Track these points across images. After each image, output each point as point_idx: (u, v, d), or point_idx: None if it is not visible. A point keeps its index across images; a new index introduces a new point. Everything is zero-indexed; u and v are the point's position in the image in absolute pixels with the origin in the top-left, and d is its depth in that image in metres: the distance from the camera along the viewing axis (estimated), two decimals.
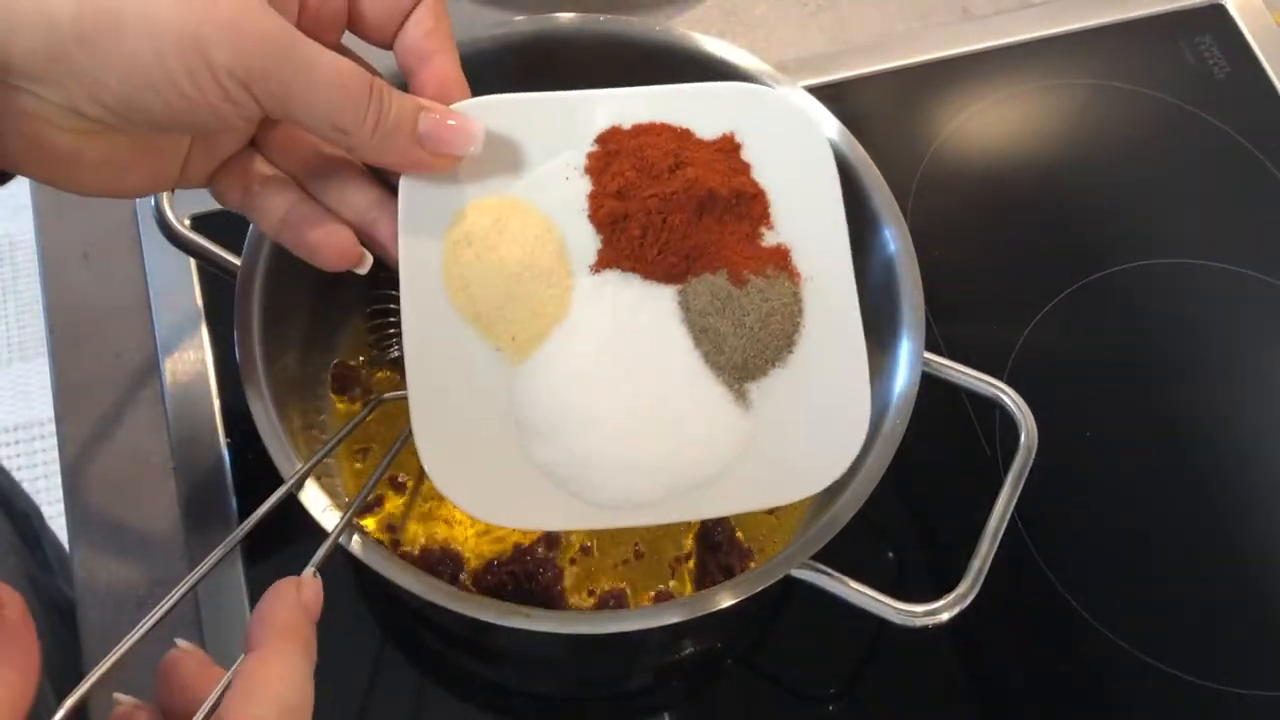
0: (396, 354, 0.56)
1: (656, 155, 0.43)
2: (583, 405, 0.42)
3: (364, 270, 0.42)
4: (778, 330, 0.44)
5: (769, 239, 0.44)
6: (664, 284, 0.43)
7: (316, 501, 0.44)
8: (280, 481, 0.44)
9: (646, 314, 0.43)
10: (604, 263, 0.43)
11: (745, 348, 0.43)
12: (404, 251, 0.42)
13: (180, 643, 0.36)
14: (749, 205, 0.44)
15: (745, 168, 0.45)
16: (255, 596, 0.53)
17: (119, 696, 0.35)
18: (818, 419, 0.44)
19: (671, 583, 0.54)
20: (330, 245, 0.41)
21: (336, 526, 0.43)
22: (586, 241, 0.43)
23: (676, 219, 0.42)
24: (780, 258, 0.44)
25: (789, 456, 0.43)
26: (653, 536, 0.54)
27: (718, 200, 0.43)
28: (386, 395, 0.54)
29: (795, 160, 0.46)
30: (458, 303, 0.42)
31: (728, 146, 0.45)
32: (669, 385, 0.42)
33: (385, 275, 0.43)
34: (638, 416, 0.42)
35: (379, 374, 0.58)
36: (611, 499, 0.42)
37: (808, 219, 0.45)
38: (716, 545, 0.54)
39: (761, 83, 0.52)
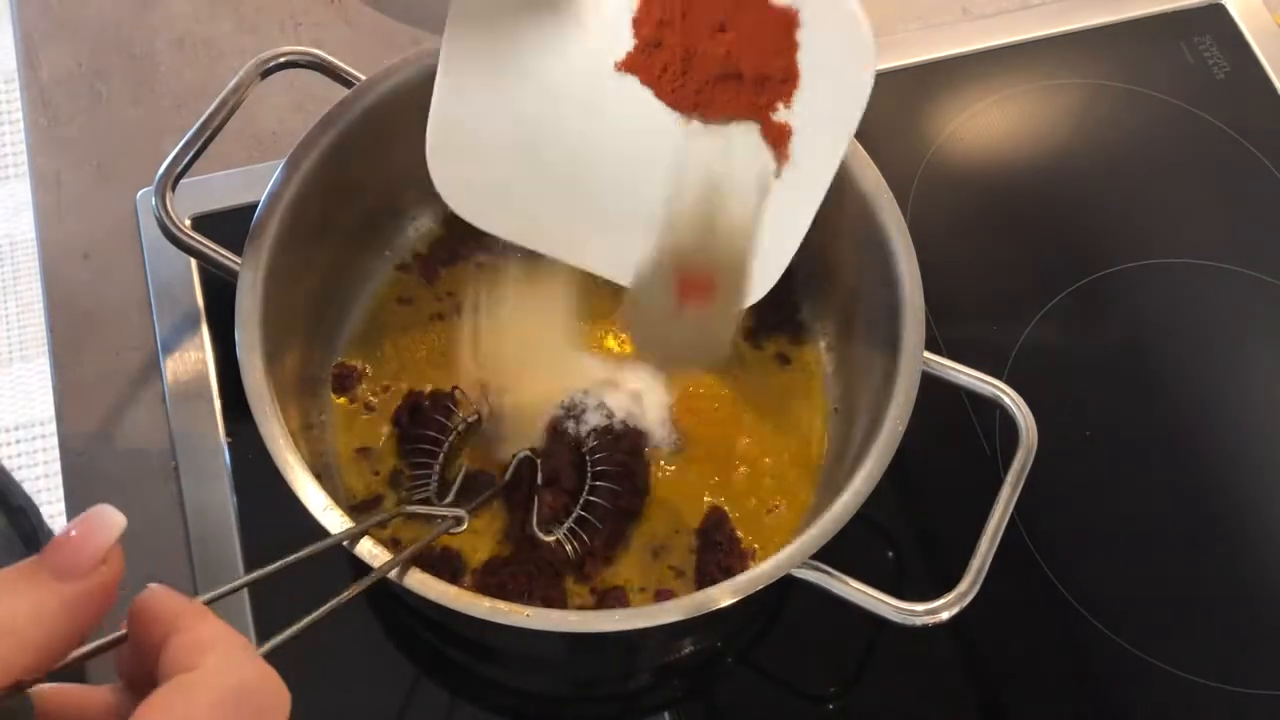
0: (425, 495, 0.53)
1: (709, 5, 0.45)
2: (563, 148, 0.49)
3: None
4: (740, 183, 0.48)
5: (780, 115, 0.46)
6: (671, 109, 0.48)
7: (366, 552, 0.44)
8: (280, 479, 0.44)
9: (645, 117, 0.48)
10: (628, 66, 0.47)
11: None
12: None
13: (152, 586, 0.34)
14: (777, 86, 0.46)
15: (792, 47, 0.45)
16: (256, 601, 0.54)
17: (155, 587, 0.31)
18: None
19: (671, 583, 0.53)
20: None
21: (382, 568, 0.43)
22: (623, 35, 0.46)
23: (697, 75, 0.46)
24: (781, 136, 0.47)
25: None
26: (653, 536, 0.54)
27: (744, 78, 0.46)
28: (408, 508, 0.51)
29: (838, 63, 0.46)
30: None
31: (787, 20, 0.45)
32: (635, 172, 0.49)
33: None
34: (595, 176, 0.49)
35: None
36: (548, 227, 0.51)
37: (822, 115, 0.47)
38: (716, 545, 0.54)
39: None
